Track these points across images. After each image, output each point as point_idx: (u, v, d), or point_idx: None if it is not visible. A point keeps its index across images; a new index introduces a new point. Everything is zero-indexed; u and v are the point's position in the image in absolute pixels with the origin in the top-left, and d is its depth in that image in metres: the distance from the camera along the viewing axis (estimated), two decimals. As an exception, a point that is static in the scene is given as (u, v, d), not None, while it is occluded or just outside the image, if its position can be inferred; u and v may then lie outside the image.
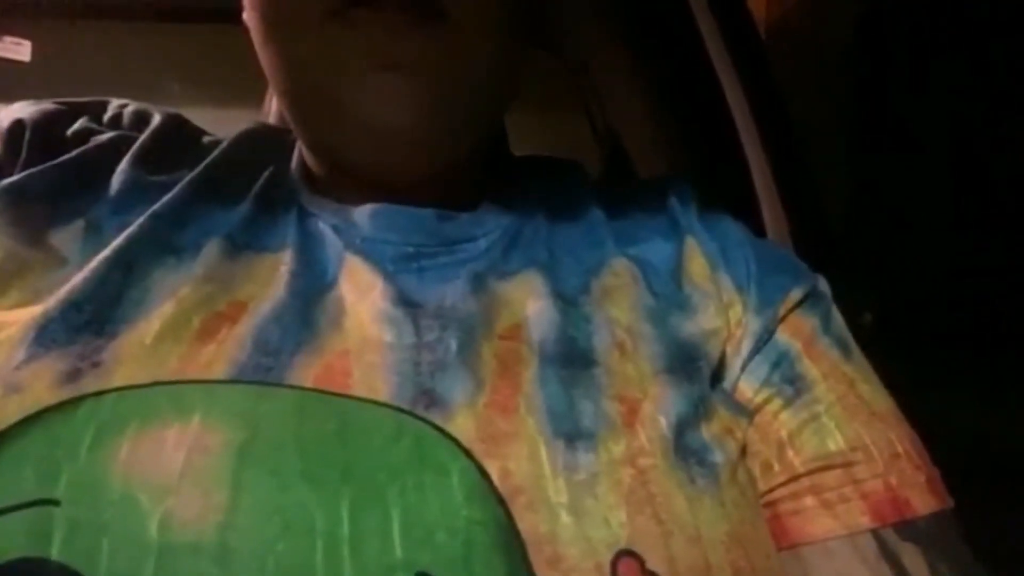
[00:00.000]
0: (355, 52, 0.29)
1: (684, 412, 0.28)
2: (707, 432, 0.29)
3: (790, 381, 0.32)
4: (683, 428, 0.28)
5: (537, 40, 0.40)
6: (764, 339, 0.32)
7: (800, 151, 0.71)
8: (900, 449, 0.31)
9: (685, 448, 0.28)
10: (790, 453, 0.31)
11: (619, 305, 0.32)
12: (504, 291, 0.32)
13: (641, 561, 0.25)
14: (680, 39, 0.70)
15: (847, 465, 0.30)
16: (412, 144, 0.32)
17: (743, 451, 0.30)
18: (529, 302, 0.31)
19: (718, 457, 0.28)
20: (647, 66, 0.71)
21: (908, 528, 0.30)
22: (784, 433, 0.31)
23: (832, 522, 0.30)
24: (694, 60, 0.70)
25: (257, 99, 0.43)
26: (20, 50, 1.04)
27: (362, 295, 0.30)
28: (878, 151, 0.85)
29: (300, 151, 0.38)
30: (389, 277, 0.31)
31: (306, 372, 0.27)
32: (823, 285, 0.36)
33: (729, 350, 0.32)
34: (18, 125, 0.35)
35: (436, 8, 0.29)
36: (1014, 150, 0.72)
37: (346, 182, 0.35)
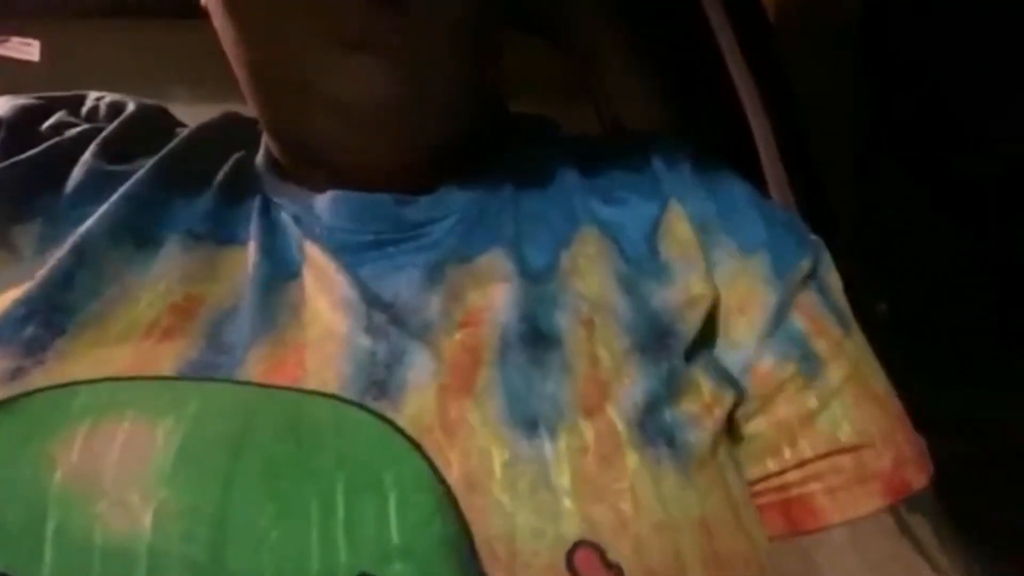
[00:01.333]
0: (319, 32, 0.29)
1: (653, 391, 0.27)
2: (680, 410, 0.28)
3: (807, 360, 0.31)
4: (651, 408, 0.27)
5: (541, 30, 0.40)
6: (781, 314, 0.32)
7: (810, 137, 0.71)
8: (898, 426, 0.32)
9: (654, 428, 0.27)
10: (802, 437, 0.30)
11: (587, 278, 0.31)
12: (466, 276, 0.31)
13: (601, 552, 0.24)
14: (687, 27, 0.70)
15: (858, 448, 0.30)
16: (383, 125, 0.30)
17: (726, 428, 0.29)
18: (492, 285, 0.30)
19: (691, 436, 0.27)
20: (653, 55, 0.70)
21: (913, 502, 0.30)
22: (798, 416, 0.31)
23: (851, 504, 0.30)
24: (701, 48, 0.69)
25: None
26: (29, 50, 1.04)
27: (322, 285, 0.30)
28: (886, 152, 0.84)
29: (265, 143, 0.38)
30: (348, 266, 0.30)
31: (257, 367, 0.26)
32: (823, 250, 0.35)
33: (733, 319, 0.32)
34: None
35: None
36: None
37: (311, 171, 0.34)
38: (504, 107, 0.41)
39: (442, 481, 0.24)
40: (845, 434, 0.31)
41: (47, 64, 1.03)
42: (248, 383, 0.26)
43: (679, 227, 0.33)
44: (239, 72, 0.33)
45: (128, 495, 0.23)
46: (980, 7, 0.73)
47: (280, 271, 0.31)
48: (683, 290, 0.31)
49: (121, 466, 0.23)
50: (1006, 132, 0.73)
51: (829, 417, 0.31)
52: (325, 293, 0.30)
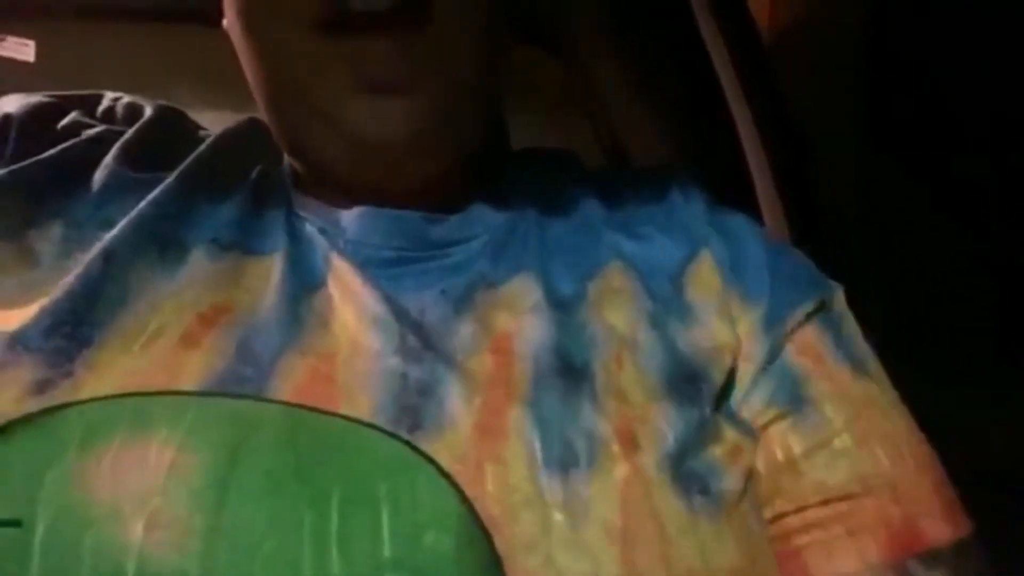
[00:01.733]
0: (344, 73, 0.30)
1: (685, 435, 0.27)
2: (712, 455, 0.28)
3: (797, 402, 0.31)
4: (684, 453, 0.27)
5: (537, 40, 0.40)
6: (772, 357, 0.31)
7: (806, 154, 0.71)
8: (913, 477, 0.30)
9: (687, 474, 0.26)
10: (799, 481, 0.30)
11: (617, 311, 0.31)
12: (494, 301, 0.31)
13: None
14: (681, 42, 0.70)
15: (857, 496, 0.29)
16: (404, 158, 0.31)
17: (750, 474, 0.29)
18: (521, 311, 0.30)
19: (723, 483, 0.27)
20: (648, 69, 0.71)
21: (923, 560, 0.28)
22: (791, 458, 0.30)
23: (846, 557, 0.28)
24: (696, 63, 0.70)
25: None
26: (25, 50, 1.04)
27: (348, 297, 0.30)
28: (886, 152, 0.84)
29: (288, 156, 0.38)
30: (374, 281, 0.30)
31: (287, 382, 0.26)
32: (838, 297, 0.34)
33: (738, 367, 0.31)
34: (5, 119, 0.34)
35: (416, 13, 0.29)
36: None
37: (331, 189, 0.35)
38: (501, 119, 0.41)
39: (477, 519, 0.24)
40: (837, 481, 0.29)
41: (42, 64, 1.02)
42: (275, 401, 0.26)
43: (708, 274, 0.33)
44: (258, 95, 0.34)
45: (157, 518, 0.23)
46: (981, 8, 0.74)
47: (306, 281, 0.31)
48: (709, 336, 0.31)
49: (146, 488, 0.23)
50: (1006, 133, 0.74)
51: (819, 463, 0.30)
52: (352, 305, 0.30)
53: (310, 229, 0.33)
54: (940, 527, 0.29)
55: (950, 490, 0.31)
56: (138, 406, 0.25)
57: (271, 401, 0.26)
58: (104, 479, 0.23)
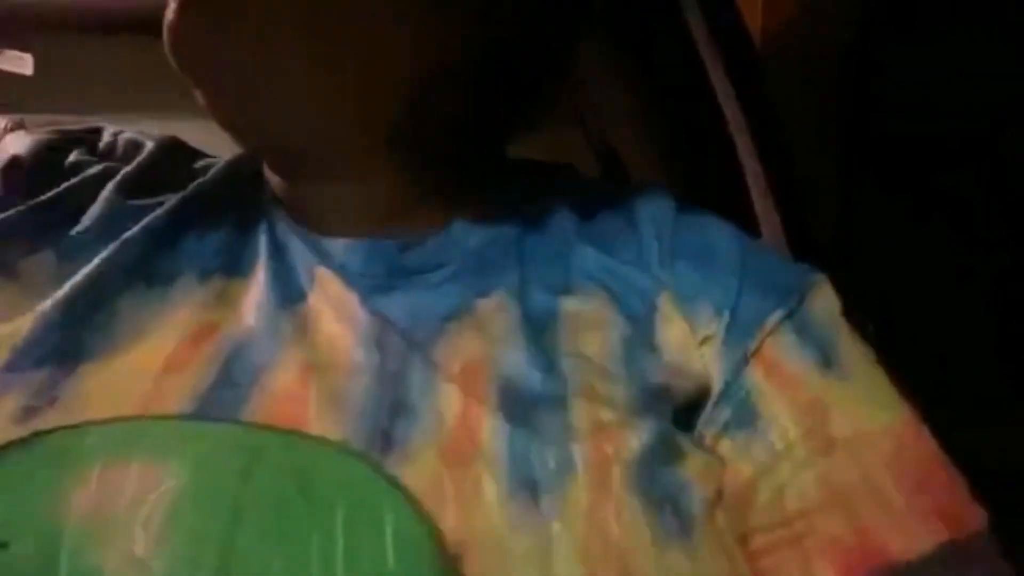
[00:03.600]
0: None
1: (654, 455, 0.27)
2: (681, 474, 0.27)
3: (749, 423, 0.30)
4: (654, 473, 0.26)
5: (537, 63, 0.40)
6: (732, 378, 0.31)
7: (796, 162, 0.71)
8: (878, 482, 0.28)
9: (658, 495, 0.26)
10: (752, 505, 0.29)
11: (592, 341, 0.31)
12: (469, 325, 0.31)
13: None
14: (675, 51, 0.71)
15: (807, 515, 0.28)
16: (183, 65, 0.32)
17: (720, 494, 0.29)
18: (494, 336, 0.30)
19: (695, 500, 0.27)
20: (641, 78, 0.71)
21: (899, 574, 0.26)
22: (744, 482, 0.29)
23: None
24: (689, 72, 0.70)
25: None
26: (23, 63, 1.04)
27: (332, 309, 0.30)
28: (875, 160, 0.85)
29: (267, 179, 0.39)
30: (358, 298, 0.31)
31: (260, 404, 0.26)
32: (817, 290, 0.33)
33: (705, 400, 0.31)
34: (16, 161, 0.36)
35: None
36: (1014, 159, 0.73)
37: (302, 192, 0.36)
38: (494, 151, 0.41)
39: (443, 545, 0.24)
40: (786, 503, 0.28)
41: (40, 78, 1.03)
42: (250, 424, 0.26)
43: (672, 315, 0.32)
44: None
45: (136, 535, 0.23)
46: (966, 22, 0.75)
47: (287, 293, 0.31)
48: (678, 370, 0.31)
49: (130, 511, 0.23)
50: (991, 146, 0.74)
51: (770, 485, 0.29)
52: (335, 316, 0.30)
53: (295, 244, 0.34)
54: (907, 538, 0.27)
55: (933, 489, 0.28)
56: (130, 430, 0.25)
57: (245, 424, 0.26)
58: (97, 502, 0.23)
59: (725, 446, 0.30)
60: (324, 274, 0.32)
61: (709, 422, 0.31)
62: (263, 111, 0.33)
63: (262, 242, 0.34)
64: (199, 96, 0.33)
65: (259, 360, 0.28)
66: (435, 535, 0.24)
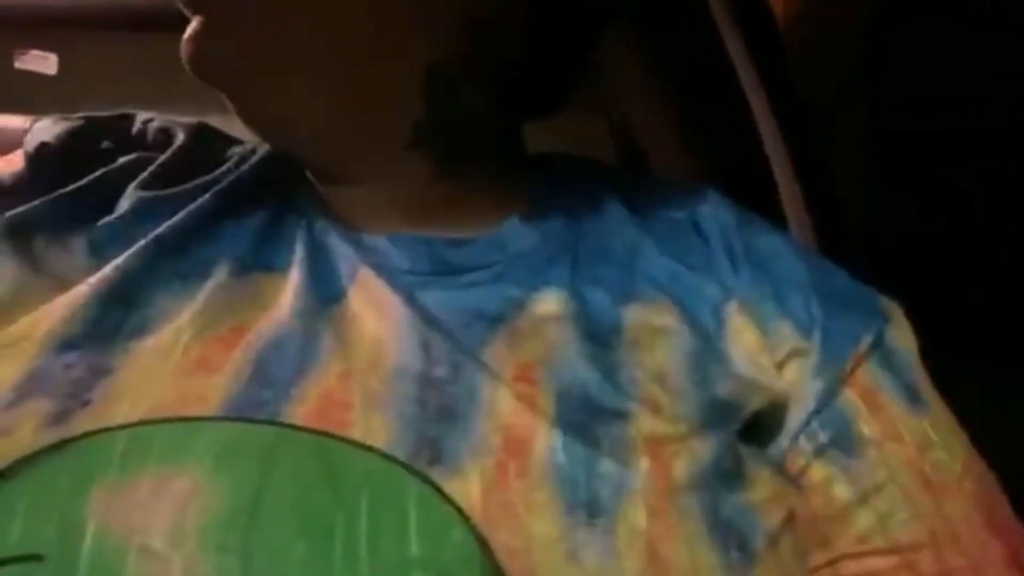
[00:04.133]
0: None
1: (718, 475, 0.26)
2: (749, 501, 0.26)
3: (847, 447, 0.29)
4: (717, 495, 0.25)
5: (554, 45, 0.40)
6: (825, 401, 0.30)
7: (822, 149, 0.70)
8: (968, 523, 0.28)
9: (724, 525, 0.25)
10: (847, 530, 0.28)
11: (656, 349, 0.29)
12: (523, 326, 0.30)
13: None
14: (696, 34, 0.70)
15: (906, 549, 0.27)
16: (208, 82, 0.32)
17: (790, 521, 0.27)
18: (551, 341, 0.29)
19: (760, 532, 0.25)
20: (664, 67, 0.71)
21: None
22: (840, 506, 0.28)
23: None
24: (711, 55, 0.69)
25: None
26: (47, 63, 1.06)
27: (373, 308, 0.29)
28: (901, 149, 0.84)
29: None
30: (402, 296, 0.30)
31: (303, 406, 0.26)
32: (895, 319, 0.32)
33: (780, 413, 0.30)
34: (44, 148, 0.35)
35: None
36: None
37: (329, 184, 0.36)
38: (519, 140, 0.40)
39: (496, 565, 0.23)
40: (888, 532, 0.28)
41: (64, 77, 1.04)
42: (292, 427, 0.25)
43: (742, 326, 0.31)
44: None
45: (157, 531, 0.23)
46: (973, 24, 0.73)
47: (324, 294, 0.30)
48: (750, 384, 0.30)
49: (159, 520, 0.23)
50: (993, 141, 0.73)
51: (869, 511, 0.28)
52: (376, 316, 0.29)
53: (334, 241, 0.33)
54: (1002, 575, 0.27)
55: (1013, 532, 0.29)
56: (162, 432, 0.25)
57: (294, 428, 0.25)
58: (133, 506, 0.23)
59: (821, 468, 0.29)
60: (366, 273, 0.31)
61: (800, 441, 0.29)
62: (284, 115, 0.33)
63: (299, 237, 0.33)
64: (225, 99, 0.33)
65: (296, 361, 0.27)
66: (462, 522, 0.23)
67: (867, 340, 0.31)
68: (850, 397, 0.30)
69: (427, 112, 0.34)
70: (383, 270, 0.31)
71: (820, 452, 0.29)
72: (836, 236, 0.66)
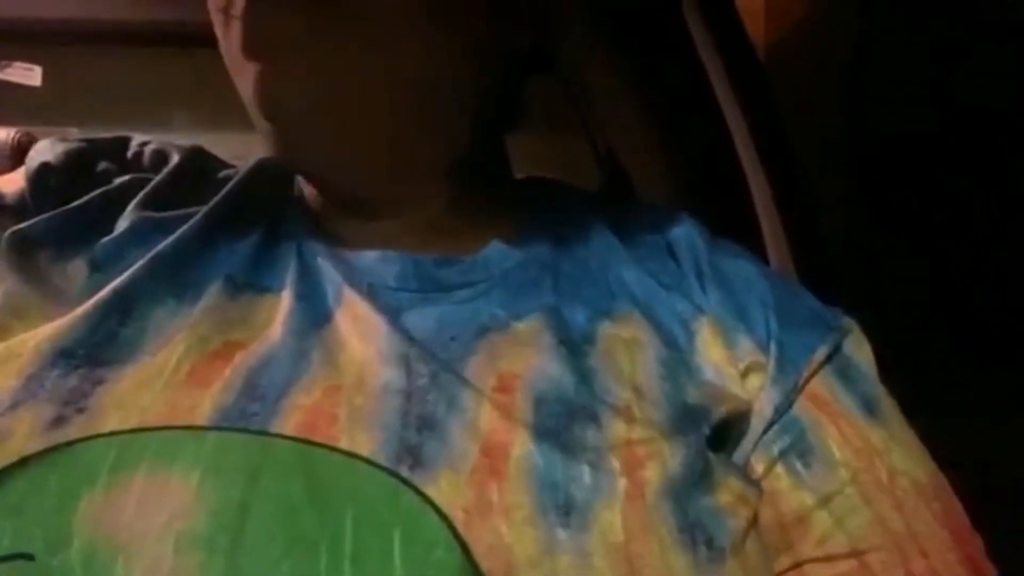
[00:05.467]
0: (230, 45, 0.31)
1: (688, 479, 0.27)
2: (717, 503, 0.27)
3: (803, 455, 0.30)
4: (687, 498, 0.26)
5: (534, 62, 0.41)
6: (782, 410, 0.31)
7: (800, 173, 0.71)
8: (926, 529, 0.28)
9: (692, 524, 0.26)
10: (805, 536, 0.29)
11: (628, 360, 0.31)
12: (504, 341, 0.31)
13: None
14: (678, 60, 0.71)
15: (864, 553, 0.28)
16: (275, 124, 0.32)
17: (755, 523, 0.28)
18: (530, 352, 0.30)
19: (727, 533, 0.26)
20: (645, 89, 0.72)
21: None
22: (798, 512, 0.29)
23: None
24: (692, 81, 0.70)
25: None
26: (30, 75, 1.05)
27: (359, 331, 0.30)
28: (879, 171, 0.85)
29: (299, 185, 0.39)
30: (386, 317, 0.30)
31: (290, 419, 0.26)
32: (851, 334, 0.33)
33: (745, 422, 0.31)
34: (45, 168, 0.36)
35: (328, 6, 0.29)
36: (1020, 164, 0.73)
37: (340, 212, 0.36)
38: (506, 161, 0.41)
39: (475, 566, 0.23)
40: (843, 537, 0.28)
41: (48, 89, 1.04)
42: (279, 436, 0.26)
43: (711, 339, 0.33)
44: None
45: (147, 544, 0.23)
46: (976, 46, 0.75)
47: (314, 316, 0.31)
48: (717, 392, 0.31)
49: (142, 516, 0.23)
50: (996, 148, 0.74)
51: (825, 517, 0.29)
52: (361, 337, 0.30)
53: (321, 262, 0.33)
54: None
55: (968, 538, 0.29)
56: (153, 440, 0.25)
57: (280, 436, 0.26)
58: (124, 511, 0.23)
59: (779, 476, 0.30)
60: (350, 295, 0.32)
61: (759, 450, 0.30)
62: (344, 153, 0.33)
63: (290, 259, 0.34)
64: (268, 136, 0.33)
65: (285, 377, 0.28)
66: (450, 545, 0.24)
67: (822, 352, 0.32)
68: (806, 406, 0.31)
69: (470, 147, 0.35)
70: (368, 290, 0.32)
71: (778, 459, 0.30)
72: (814, 260, 0.66)
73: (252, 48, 0.30)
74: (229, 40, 0.31)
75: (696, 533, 0.26)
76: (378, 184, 0.35)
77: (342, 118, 0.31)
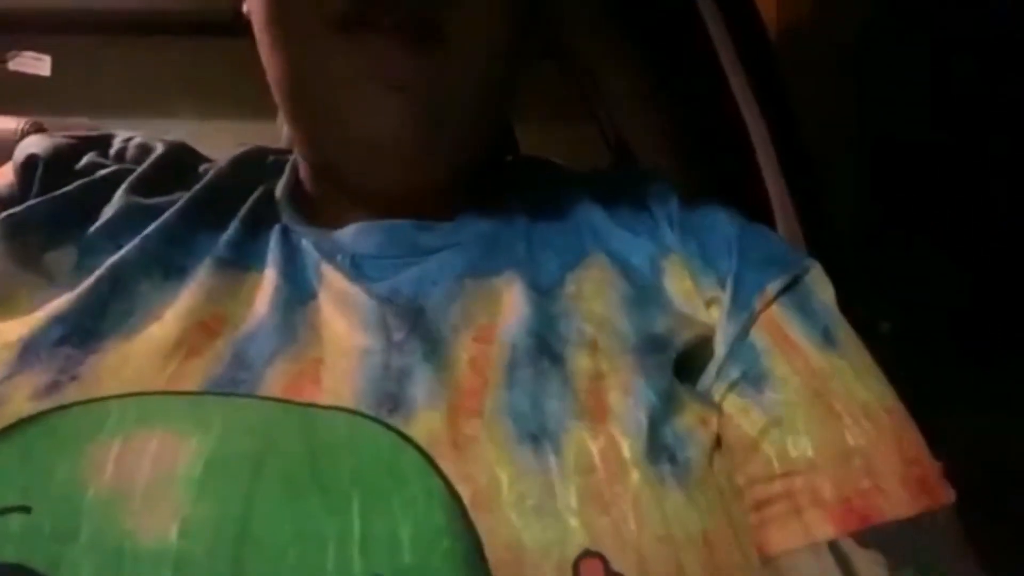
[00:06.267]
0: (354, 68, 0.31)
1: (654, 406, 0.28)
2: (679, 425, 0.28)
3: (755, 381, 0.31)
4: (653, 423, 0.27)
5: (545, 50, 0.41)
6: (739, 338, 0.32)
7: (812, 157, 0.71)
8: (870, 450, 0.29)
9: (657, 445, 0.27)
10: (755, 457, 0.30)
11: (593, 301, 0.32)
12: (480, 292, 0.32)
13: (605, 562, 0.24)
14: (689, 44, 0.70)
15: (809, 471, 0.29)
16: (404, 158, 0.33)
17: (717, 443, 0.29)
18: (505, 301, 0.31)
19: (691, 451, 0.28)
20: (655, 73, 0.71)
21: (872, 535, 0.28)
22: (750, 435, 0.30)
23: (792, 533, 0.28)
24: (703, 66, 0.70)
25: (273, 113, 0.44)
26: (40, 65, 1.06)
27: (339, 306, 0.31)
28: (890, 157, 0.84)
29: (290, 172, 0.39)
30: (365, 286, 0.31)
31: (277, 383, 0.27)
32: (812, 272, 0.34)
33: (709, 349, 0.32)
34: (32, 159, 0.37)
35: (435, 30, 0.30)
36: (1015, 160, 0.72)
37: (338, 197, 0.36)
38: (510, 129, 0.42)
39: (455, 495, 0.25)
40: (788, 458, 0.29)
41: (57, 79, 1.04)
42: (268, 398, 0.27)
43: (680, 274, 0.34)
44: (277, 92, 0.35)
45: (156, 507, 0.24)
46: (983, 30, 0.74)
47: (299, 293, 0.32)
48: (686, 320, 0.32)
49: (150, 479, 0.24)
50: (997, 155, 0.73)
51: (774, 439, 0.30)
52: (342, 313, 0.31)
53: (304, 243, 0.34)
54: (891, 502, 0.28)
55: (920, 462, 0.30)
56: (149, 404, 0.26)
57: (262, 398, 0.27)
58: (118, 470, 0.24)
59: (733, 402, 0.31)
60: (328, 271, 0.32)
61: (718, 379, 0.31)
62: (416, 177, 0.34)
63: (273, 239, 0.35)
64: (366, 154, 0.33)
65: (272, 348, 0.29)
66: (453, 519, 0.24)
67: (776, 284, 0.33)
68: (760, 335, 0.32)
69: (500, 138, 0.37)
70: (349, 262, 0.33)
71: (732, 386, 0.31)
72: (827, 248, 0.66)
73: (400, 75, 0.31)
74: (335, 55, 0.31)
75: (662, 455, 0.27)
76: (426, 190, 0.35)
77: (439, 138, 0.33)
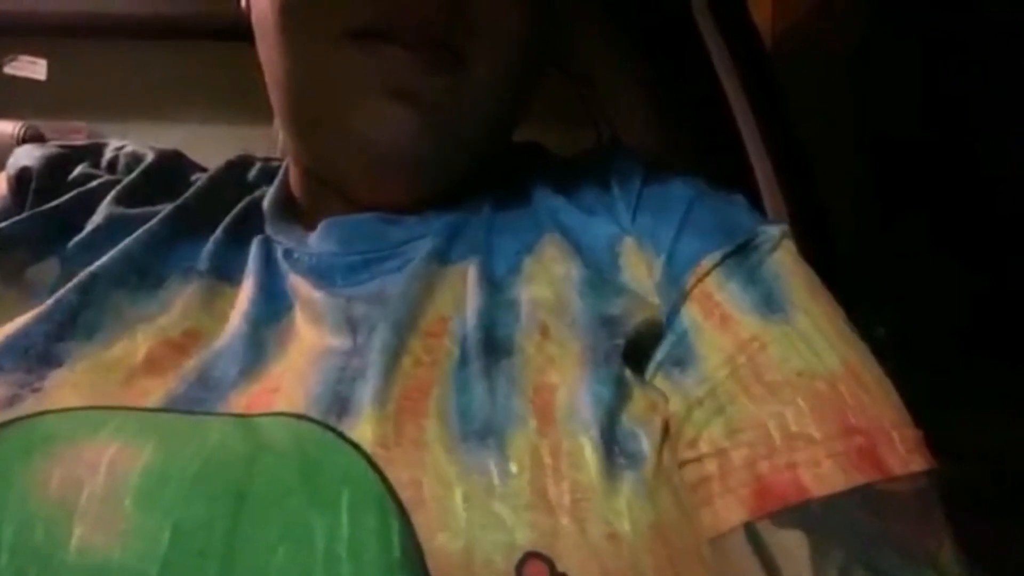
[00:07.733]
0: (368, 78, 0.31)
1: (604, 400, 0.27)
2: (630, 416, 0.27)
3: (679, 362, 0.30)
4: (604, 418, 0.26)
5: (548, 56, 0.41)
6: (670, 319, 0.31)
7: (808, 162, 0.71)
8: (798, 422, 0.27)
9: (608, 440, 0.26)
10: (678, 443, 0.29)
11: (546, 281, 0.31)
12: (438, 284, 0.32)
13: (550, 563, 0.24)
14: (685, 50, 0.71)
15: (720, 455, 0.28)
16: (409, 169, 0.33)
17: (667, 429, 0.28)
18: (459, 293, 0.31)
19: (643, 443, 0.27)
20: (652, 78, 0.71)
21: (792, 514, 0.26)
22: (678, 416, 0.29)
23: (713, 516, 0.27)
24: (699, 71, 0.70)
25: (269, 117, 0.44)
26: (36, 69, 1.06)
27: (309, 315, 0.31)
28: (887, 161, 0.85)
29: (279, 181, 0.39)
30: (329, 290, 0.31)
31: (239, 403, 0.27)
32: (768, 234, 0.33)
33: (659, 331, 0.31)
34: (25, 172, 0.37)
35: (455, 54, 0.31)
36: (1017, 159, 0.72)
37: (328, 202, 0.36)
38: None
39: (395, 498, 0.24)
40: (711, 437, 0.28)
41: (53, 83, 1.04)
42: (221, 414, 0.27)
43: (636, 258, 0.33)
44: (279, 97, 0.35)
45: (103, 517, 0.23)
46: (982, 36, 0.74)
47: (274, 306, 0.32)
48: (643, 305, 0.31)
49: (102, 489, 0.24)
50: (1001, 157, 0.74)
51: (698, 420, 0.29)
52: (311, 321, 0.31)
53: (278, 255, 0.34)
54: (817, 477, 0.26)
55: (866, 431, 0.27)
56: (93, 418, 0.26)
57: (217, 414, 0.27)
58: (69, 482, 0.24)
59: (661, 383, 0.30)
60: (297, 281, 0.32)
61: (655, 359, 0.31)
62: (427, 189, 0.34)
63: (252, 252, 0.34)
64: (379, 169, 0.33)
65: (236, 371, 0.28)
66: (393, 522, 0.24)
67: (716, 255, 0.31)
68: (690, 311, 0.31)
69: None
70: (312, 263, 0.33)
71: (658, 368, 0.30)
72: (822, 252, 0.66)
73: (414, 88, 0.31)
74: (348, 63, 0.31)
75: (613, 449, 0.26)
76: (427, 201, 0.35)
77: (448, 153, 0.33)
